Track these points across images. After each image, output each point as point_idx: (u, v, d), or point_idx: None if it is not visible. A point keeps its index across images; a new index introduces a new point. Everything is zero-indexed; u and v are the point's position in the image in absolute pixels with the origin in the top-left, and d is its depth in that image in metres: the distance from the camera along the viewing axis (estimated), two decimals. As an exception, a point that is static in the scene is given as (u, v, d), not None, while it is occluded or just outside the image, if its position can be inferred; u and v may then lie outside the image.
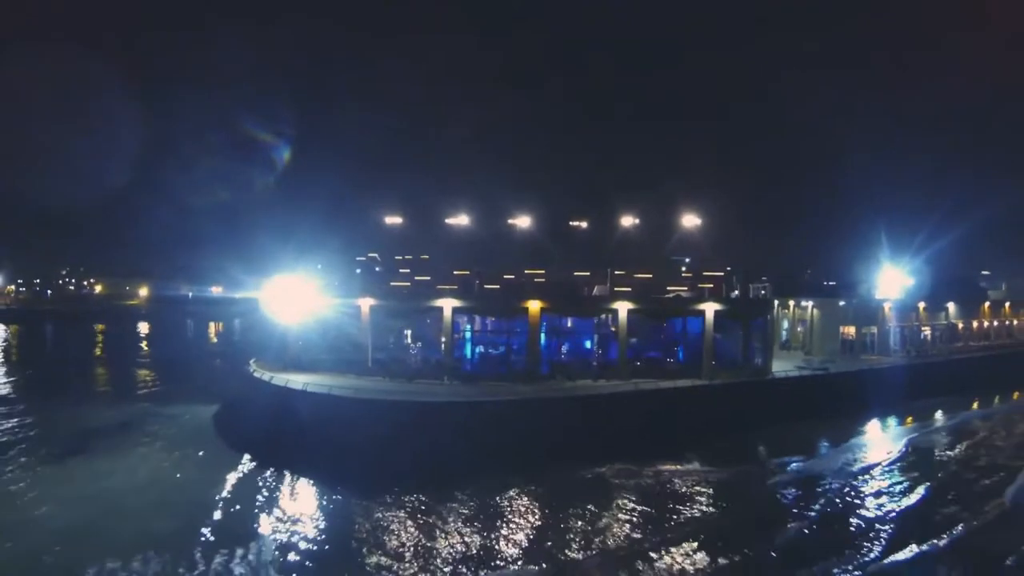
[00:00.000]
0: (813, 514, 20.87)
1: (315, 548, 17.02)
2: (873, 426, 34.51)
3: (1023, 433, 33.16)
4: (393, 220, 41.21)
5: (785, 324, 53.78)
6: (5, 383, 46.80)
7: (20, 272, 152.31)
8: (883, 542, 18.27)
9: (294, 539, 17.69)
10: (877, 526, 19.55)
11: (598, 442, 25.92)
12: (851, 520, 20.22)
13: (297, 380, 28.64)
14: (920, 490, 23.15)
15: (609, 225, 41.99)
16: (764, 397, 34.03)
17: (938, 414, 37.64)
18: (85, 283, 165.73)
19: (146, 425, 30.92)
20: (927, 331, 55.68)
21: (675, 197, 42.49)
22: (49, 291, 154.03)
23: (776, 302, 53.31)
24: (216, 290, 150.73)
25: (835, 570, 16.48)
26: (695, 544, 18.01)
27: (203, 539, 17.24)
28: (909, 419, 36.55)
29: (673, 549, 17.68)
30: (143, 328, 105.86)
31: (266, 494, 21.33)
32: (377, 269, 43.11)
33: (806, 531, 19.54)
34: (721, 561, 16.99)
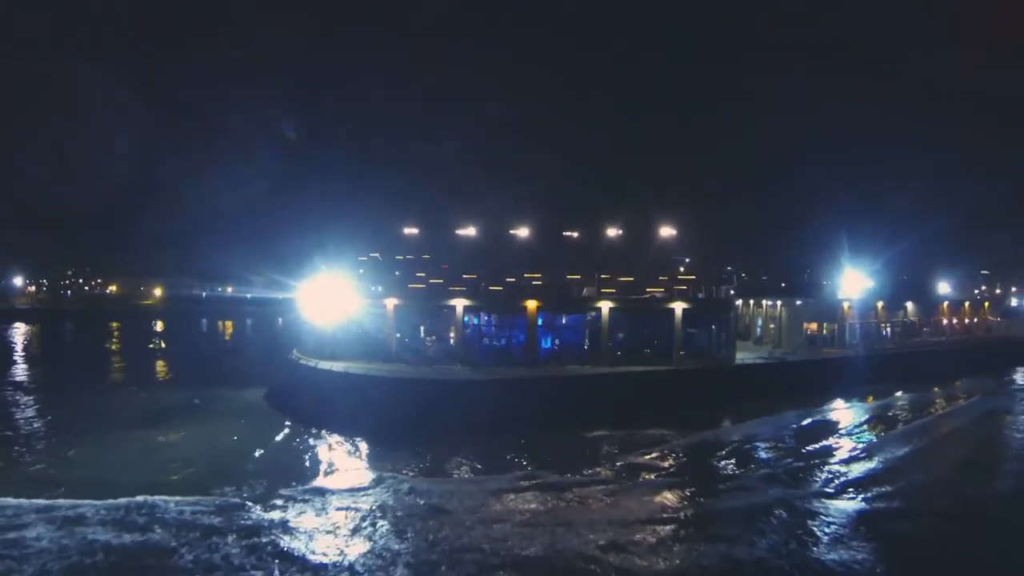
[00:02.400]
0: (748, 445, 30.03)
1: (371, 474, 23.75)
2: (813, 402, 40.28)
3: (914, 411, 40.29)
4: (410, 231, 47.58)
5: (760, 321, 60.32)
6: (64, 376, 51.60)
7: (29, 272, 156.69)
8: (784, 459, 27.57)
9: (356, 469, 24.91)
10: (782, 448, 29.34)
11: (584, 414, 32.03)
12: (769, 450, 29.47)
13: (338, 366, 34.94)
14: (817, 441, 31.41)
15: (597, 235, 48.38)
16: (727, 381, 40.48)
17: (870, 396, 44.11)
18: (93, 283, 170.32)
19: (210, 404, 36.65)
20: (887, 327, 62.15)
21: (654, 210, 48.96)
22: (69, 291, 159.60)
23: (750, 302, 60.13)
24: (227, 290, 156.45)
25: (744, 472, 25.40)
26: (659, 461, 26.38)
27: (295, 473, 23.87)
28: (870, 398, 43.48)
29: (640, 460, 26.05)
30: (161, 326, 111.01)
31: (331, 447, 27.96)
32: (397, 273, 49.21)
33: (741, 453, 28.61)
34: (679, 469, 25.45)
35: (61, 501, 19.12)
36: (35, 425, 31.44)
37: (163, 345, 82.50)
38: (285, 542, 17.15)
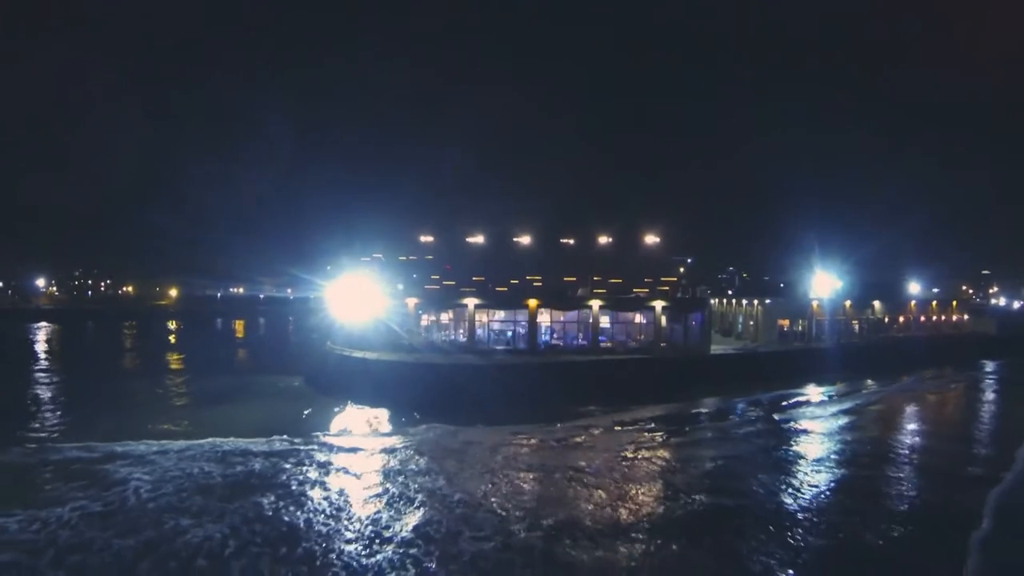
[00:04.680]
0: (718, 408, 37.53)
1: (415, 426, 30.42)
2: (783, 387, 46.42)
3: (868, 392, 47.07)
4: (427, 238, 53.97)
5: (740, 319, 66.76)
6: (107, 369, 54.51)
7: (44, 273, 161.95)
8: (745, 415, 35.82)
9: (403, 424, 31.51)
10: (746, 411, 36.80)
11: (577, 395, 38.16)
12: (734, 410, 37.01)
13: (370, 355, 41.24)
14: (778, 405, 38.87)
15: (590, 242, 54.83)
16: (702, 368, 46.78)
17: (839, 382, 50.07)
18: (104, 284, 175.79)
19: (257, 389, 41.84)
20: (856, 323, 68.51)
21: (642, 217, 55.58)
22: (89, 292, 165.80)
23: (733, 301, 66.53)
24: (239, 290, 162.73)
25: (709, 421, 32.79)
26: (639, 420, 33.27)
27: (356, 428, 30.90)
28: (838, 383, 49.51)
29: (622, 417, 33.16)
30: (180, 325, 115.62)
31: (369, 418, 34.07)
32: (415, 275, 55.61)
33: (711, 412, 36.37)
34: (654, 420, 33.17)
35: (170, 443, 25.61)
36: (110, 403, 36.29)
37: (189, 341, 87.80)
38: (356, 464, 23.85)
